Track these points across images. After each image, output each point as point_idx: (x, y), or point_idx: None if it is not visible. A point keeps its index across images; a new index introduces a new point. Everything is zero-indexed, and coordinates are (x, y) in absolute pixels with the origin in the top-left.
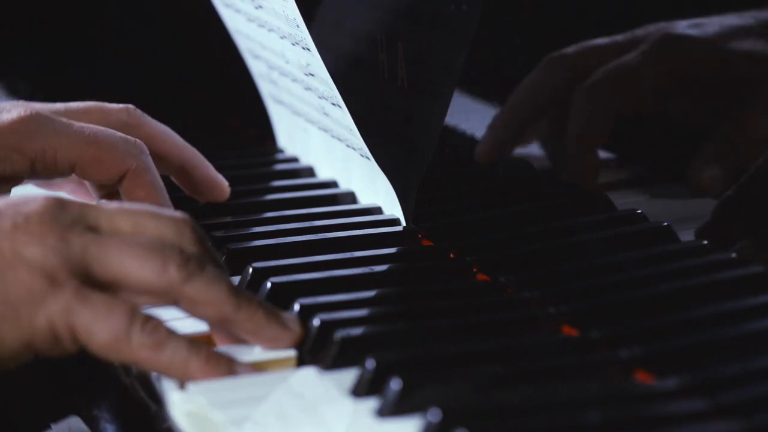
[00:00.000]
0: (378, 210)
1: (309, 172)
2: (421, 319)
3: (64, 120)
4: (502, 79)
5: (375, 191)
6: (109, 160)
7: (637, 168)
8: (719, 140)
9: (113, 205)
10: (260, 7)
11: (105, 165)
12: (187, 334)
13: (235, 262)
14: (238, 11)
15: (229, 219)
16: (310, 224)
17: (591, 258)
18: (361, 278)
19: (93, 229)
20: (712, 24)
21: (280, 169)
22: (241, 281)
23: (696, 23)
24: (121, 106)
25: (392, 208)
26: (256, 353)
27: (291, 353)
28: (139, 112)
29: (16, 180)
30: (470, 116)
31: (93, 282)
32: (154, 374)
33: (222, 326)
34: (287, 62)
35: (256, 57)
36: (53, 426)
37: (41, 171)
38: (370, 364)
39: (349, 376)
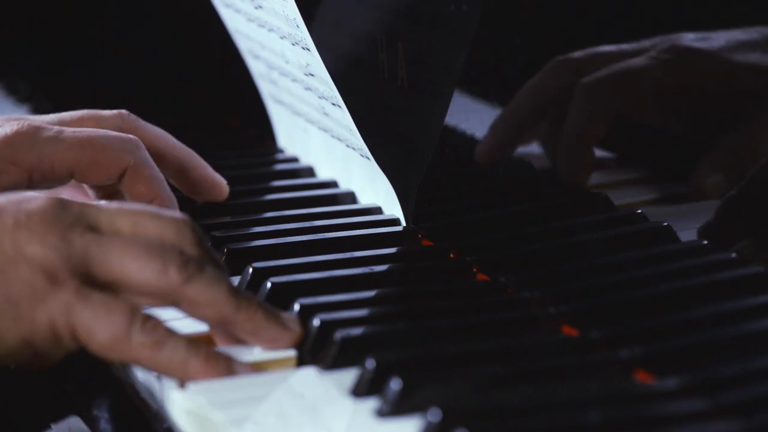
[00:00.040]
0: (378, 210)
1: (309, 172)
2: (421, 319)
3: (56, 128)
4: (502, 79)
5: (375, 191)
6: (106, 161)
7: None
8: (724, 151)
9: (113, 205)
10: (260, 7)
11: (103, 166)
12: (187, 334)
13: (235, 262)
14: (238, 11)
15: (229, 219)
16: (310, 224)
17: (591, 258)
18: (361, 278)
19: (93, 229)
20: (719, 38)
21: (280, 169)
22: (241, 281)
23: (703, 36)
24: (114, 112)
25: (392, 208)
26: (256, 353)
27: (291, 353)
28: (133, 116)
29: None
30: (470, 116)
31: (93, 282)
32: (154, 374)
33: (222, 327)
34: (287, 62)
35: (256, 57)
36: (53, 426)
37: (40, 181)
38: (370, 364)
39: (349, 376)
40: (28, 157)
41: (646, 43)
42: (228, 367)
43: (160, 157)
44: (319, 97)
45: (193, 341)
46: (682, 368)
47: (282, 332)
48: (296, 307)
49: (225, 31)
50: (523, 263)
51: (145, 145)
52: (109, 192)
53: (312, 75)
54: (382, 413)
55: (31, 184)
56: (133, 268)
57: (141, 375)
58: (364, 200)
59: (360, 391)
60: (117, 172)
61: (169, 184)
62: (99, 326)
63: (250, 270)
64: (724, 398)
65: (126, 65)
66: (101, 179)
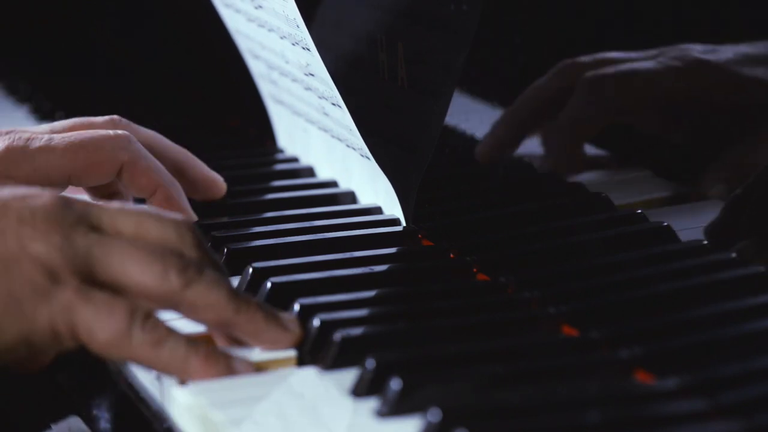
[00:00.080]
0: (378, 210)
1: (309, 172)
2: (421, 319)
3: (46, 136)
4: (502, 79)
5: (375, 191)
6: (101, 161)
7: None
8: (729, 162)
9: (116, 205)
10: (260, 7)
11: (99, 166)
12: (187, 333)
13: (235, 262)
14: (238, 11)
15: (229, 219)
16: (310, 224)
17: (591, 258)
18: (361, 278)
19: (96, 229)
20: (726, 51)
21: (280, 169)
22: (241, 281)
23: (711, 49)
24: (106, 117)
25: (392, 208)
26: (255, 353)
27: (291, 353)
28: (125, 120)
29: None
30: (470, 116)
31: (94, 281)
32: (154, 374)
33: (222, 329)
34: (287, 62)
35: (256, 57)
36: (53, 426)
37: None
38: (370, 364)
39: (349, 376)
40: (23, 169)
41: (652, 51)
42: (228, 366)
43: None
44: (319, 97)
45: (193, 340)
46: (682, 368)
47: (282, 333)
48: (296, 307)
49: (225, 31)
50: (523, 263)
51: None
52: (106, 193)
53: (312, 75)
54: (382, 413)
55: None
56: (134, 271)
57: (141, 375)
58: (364, 200)
59: (360, 391)
60: (114, 169)
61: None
62: (100, 325)
63: (250, 270)
64: (724, 398)
65: (126, 65)
66: (99, 180)
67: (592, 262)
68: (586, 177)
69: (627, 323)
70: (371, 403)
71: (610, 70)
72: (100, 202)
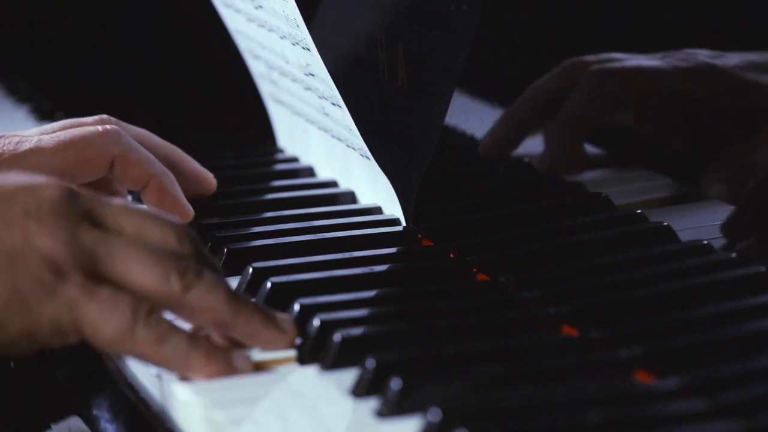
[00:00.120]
0: (378, 210)
1: (309, 172)
2: (421, 319)
3: (35, 138)
4: (502, 79)
5: (375, 191)
6: (92, 156)
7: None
8: (730, 163)
9: (119, 202)
10: (260, 7)
11: (90, 162)
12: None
13: (235, 262)
14: (238, 11)
15: (229, 219)
16: (310, 224)
17: (591, 258)
18: (361, 278)
19: (99, 225)
20: (733, 57)
21: (280, 169)
22: (241, 281)
23: (718, 54)
24: (95, 117)
25: (392, 208)
26: (255, 352)
27: (291, 353)
28: (114, 119)
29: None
30: (470, 116)
31: (98, 277)
32: (155, 372)
33: (219, 330)
34: (287, 62)
35: (256, 57)
36: (53, 426)
37: None
38: (370, 364)
39: (349, 376)
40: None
41: (657, 54)
42: (227, 362)
43: None
44: (319, 97)
45: (194, 337)
46: (682, 368)
47: (278, 335)
48: (296, 307)
49: (225, 31)
50: (523, 263)
51: None
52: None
53: (312, 75)
54: (382, 413)
55: None
56: (137, 271)
57: (141, 375)
58: (364, 200)
59: (360, 391)
60: (105, 164)
61: None
62: (104, 321)
63: (250, 270)
64: (724, 398)
65: (126, 65)
66: (92, 175)
67: (592, 262)
68: (586, 177)
69: (627, 323)
70: (371, 403)
71: (615, 65)
72: (104, 197)
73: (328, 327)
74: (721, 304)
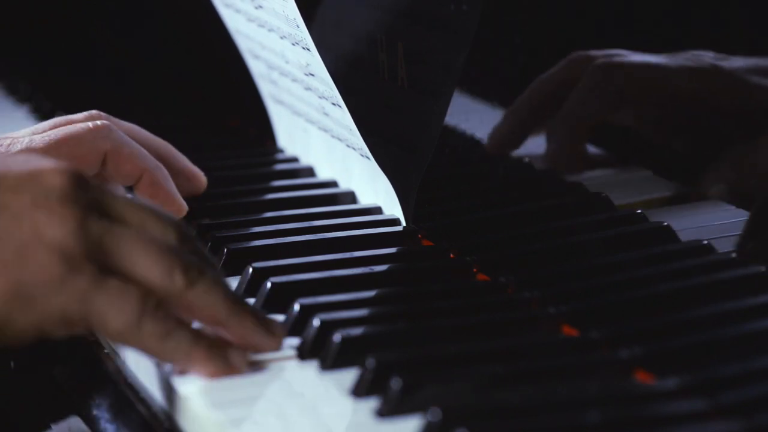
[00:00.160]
0: (378, 210)
1: (309, 172)
2: (421, 319)
3: (27, 138)
4: (502, 79)
5: (375, 191)
6: (83, 153)
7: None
8: (730, 163)
9: (123, 194)
10: (260, 7)
11: (82, 159)
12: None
13: (235, 262)
14: (238, 11)
15: (229, 219)
16: (310, 224)
17: (591, 258)
18: (361, 278)
19: (106, 215)
20: (737, 60)
21: (280, 169)
22: (241, 281)
23: (723, 57)
24: (85, 113)
25: (392, 208)
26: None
27: (290, 352)
28: (104, 115)
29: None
30: (470, 116)
31: (106, 267)
32: (159, 376)
33: (211, 327)
34: (287, 62)
35: (256, 57)
36: (53, 426)
37: None
38: (370, 364)
39: (349, 376)
40: None
41: (663, 54)
42: (226, 360)
43: None
44: (319, 97)
45: (198, 333)
46: (682, 368)
47: (267, 339)
48: (296, 307)
49: (225, 31)
50: (523, 263)
51: None
52: None
53: (312, 75)
54: (382, 413)
55: None
56: (142, 264)
57: (141, 375)
58: (364, 200)
59: (360, 391)
60: (97, 160)
61: None
62: (113, 313)
63: (250, 270)
64: (724, 398)
65: (126, 65)
66: (85, 172)
67: (592, 262)
68: (586, 177)
69: (627, 323)
70: (371, 403)
71: (621, 59)
72: (109, 188)
73: (328, 327)
74: (721, 304)
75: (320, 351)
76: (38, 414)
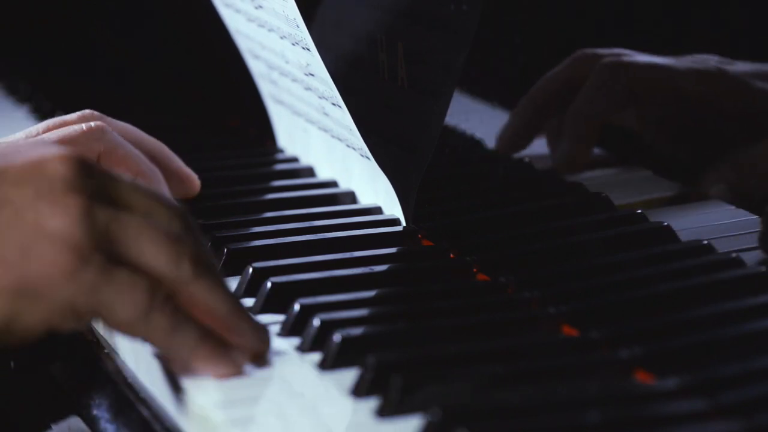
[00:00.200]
0: (378, 210)
1: (309, 172)
2: (421, 319)
3: (21, 142)
4: (502, 79)
5: (375, 191)
6: None
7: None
8: (732, 163)
9: (129, 179)
10: (260, 7)
11: None
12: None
13: (235, 262)
14: (238, 11)
15: (229, 219)
16: (310, 224)
17: (591, 258)
18: (361, 278)
19: (113, 202)
20: (742, 65)
21: (280, 169)
22: (241, 281)
23: (727, 61)
24: (78, 113)
25: (392, 208)
26: None
27: (291, 352)
28: (97, 114)
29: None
30: (470, 116)
31: (114, 256)
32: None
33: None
34: (287, 62)
35: (256, 57)
36: (53, 426)
37: None
38: (371, 364)
39: (349, 376)
40: None
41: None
42: (230, 358)
43: None
44: (319, 97)
45: (205, 331)
46: (682, 368)
47: (258, 344)
48: (296, 307)
49: (225, 31)
50: (523, 263)
51: None
52: None
53: (312, 75)
54: (382, 413)
55: None
56: (149, 252)
57: (142, 375)
58: (364, 200)
59: (360, 391)
60: None
61: None
62: (121, 304)
63: (250, 270)
64: (724, 398)
65: (126, 65)
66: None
67: (592, 262)
68: (586, 177)
69: (627, 323)
70: (371, 403)
71: (629, 59)
72: (115, 173)
73: (328, 327)
74: (721, 304)
75: (320, 351)
76: (38, 414)
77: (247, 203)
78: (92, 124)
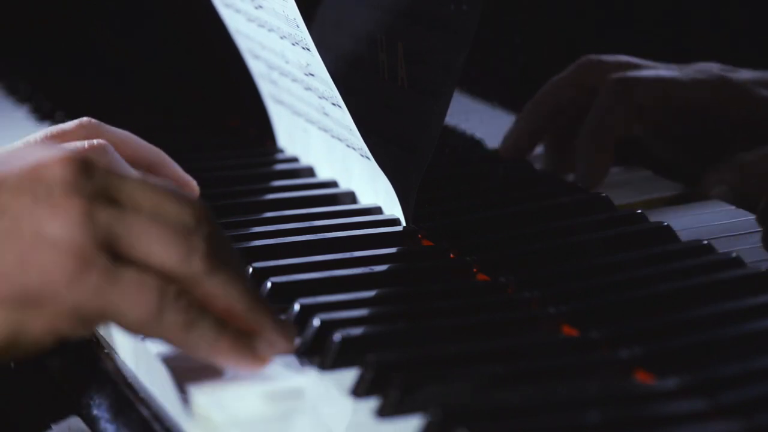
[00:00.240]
0: (378, 210)
1: (309, 172)
2: (421, 319)
3: (21, 148)
4: (502, 79)
5: (375, 191)
6: None
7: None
8: (733, 165)
9: (136, 176)
10: (260, 7)
11: None
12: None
13: None
14: (238, 11)
15: (229, 219)
16: (310, 224)
17: (591, 258)
18: (361, 278)
19: (115, 201)
20: (745, 72)
21: (280, 169)
22: None
23: (730, 68)
24: (75, 122)
25: (392, 208)
26: None
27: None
28: (94, 122)
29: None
30: (470, 116)
31: (120, 258)
32: (158, 370)
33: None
34: (287, 62)
35: (256, 57)
36: (53, 426)
37: None
38: (370, 364)
39: (349, 376)
40: None
41: (673, 66)
42: (252, 348)
43: (128, 159)
44: (319, 97)
45: (222, 321)
46: (682, 368)
47: (281, 339)
48: (296, 307)
49: (225, 31)
50: (523, 263)
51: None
52: None
53: (312, 75)
54: (382, 413)
55: None
56: (157, 249)
57: (142, 375)
58: (364, 200)
59: (360, 391)
60: None
61: None
62: (130, 306)
63: (250, 270)
64: (724, 398)
65: (126, 65)
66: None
67: (592, 262)
68: None
69: (627, 323)
70: (371, 403)
71: (637, 74)
72: (119, 170)
73: (328, 327)
74: (721, 304)
75: (320, 351)
76: (38, 414)
77: (247, 203)
78: (95, 142)
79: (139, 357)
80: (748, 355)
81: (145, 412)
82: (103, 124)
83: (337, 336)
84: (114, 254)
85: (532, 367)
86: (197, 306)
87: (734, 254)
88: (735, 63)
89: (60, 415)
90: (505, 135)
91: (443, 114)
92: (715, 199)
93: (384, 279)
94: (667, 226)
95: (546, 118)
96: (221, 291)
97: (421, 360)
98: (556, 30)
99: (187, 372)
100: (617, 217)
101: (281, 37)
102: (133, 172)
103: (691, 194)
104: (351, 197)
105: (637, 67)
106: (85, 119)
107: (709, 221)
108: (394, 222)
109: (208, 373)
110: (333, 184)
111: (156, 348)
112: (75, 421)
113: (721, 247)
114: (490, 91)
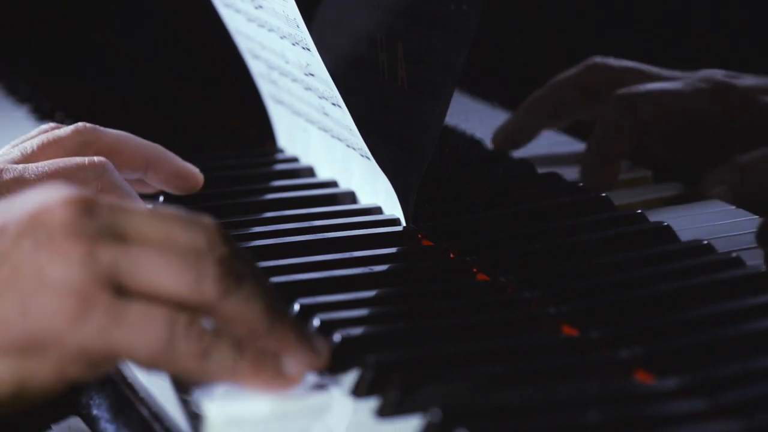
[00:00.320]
0: (378, 210)
1: (309, 172)
2: (421, 319)
3: (20, 167)
4: (502, 79)
5: (375, 191)
6: None
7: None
8: (733, 166)
9: (143, 209)
10: (260, 7)
11: None
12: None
13: None
14: (238, 11)
15: (229, 219)
16: (310, 224)
17: (591, 258)
18: (361, 278)
19: (120, 237)
20: (747, 78)
21: (280, 169)
22: None
23: (733, 75)
24: (71, 128)
25: (392, 208)
26: None
27: None
28: (90, 126)
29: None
30: (470, 116)
31: (126, 293)
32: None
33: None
34: (287, 62)
35: (256, 57)
36: (53, 426)
37: None
38: (371, 364)
39: (349, 376)
40: None
41: (677, 72)
42: (276, 366)
43: (128, 160)
44: (319, 97)
45: (240, 343)
46: (682, 368)
47: (310, 356)
48: (296, 307)
49: (225, 31)
50: (523, 263)
51: (110, 152)
52: None
53: (312, 75)
54: (382, 413)
55: None
56: (165, 278)
57: (142, 375)
58: (364, 200)
59: (360, 391)
60: None
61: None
62: (139, 343)
63: None
64: (724, 398)
65: (126, 65)
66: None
67: (592, 262)
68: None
69: (627, 323)
70: (371, 403)
71: (642, 89)
72: (125, 205)
73: (328, 327)
74: (721, 304)
75: None
76: (38, 414)
77: (247, 203)
78: (95, 159)
79: None
80: (748, 355)
81: (145, 412)
82: (98, 127)
83: (337, 336)
84: (120, 290)
85: (532, 367)
86: (211, 332)
87: (734, 254)
88: (735, 63)
89: (60, 415)
90: (501, 126)
91: (443, 114)
92: (715, 199)
93: (384, 279)
94: (667, 226)
95: (545, 116)
96: (239, 312)
97: (421, 360)
98: (556, 30)
99: None
100: (617, 217)
101: (281, 37)
102: (140, 204)
103: (691, 194)
104: (351, 197)
105: (641, 74)
106: (80, 124)
107: (709, 221)
108: (394, 222)
109: None
110: (333, 184)
111: None
112: (75, 421)
113: (721, 247)
114: (490, 91)
